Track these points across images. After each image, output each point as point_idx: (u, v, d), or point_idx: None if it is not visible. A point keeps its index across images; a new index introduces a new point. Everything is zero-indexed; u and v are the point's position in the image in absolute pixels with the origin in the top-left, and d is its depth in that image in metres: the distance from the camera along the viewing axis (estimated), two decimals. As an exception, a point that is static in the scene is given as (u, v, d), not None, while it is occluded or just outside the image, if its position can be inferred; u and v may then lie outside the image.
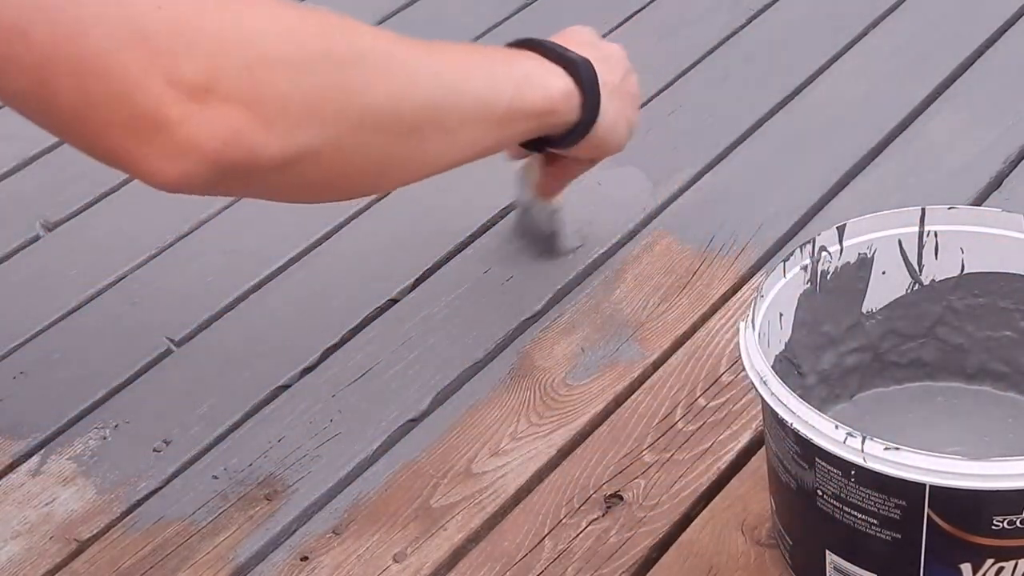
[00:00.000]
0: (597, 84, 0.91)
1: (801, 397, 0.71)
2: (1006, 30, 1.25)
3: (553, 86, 0.89)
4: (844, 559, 0.75)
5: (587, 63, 0.91)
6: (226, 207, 1.13)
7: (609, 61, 0.95)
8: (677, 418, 0.91)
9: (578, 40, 0.94)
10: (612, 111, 0.93)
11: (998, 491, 0.68)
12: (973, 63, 1.21)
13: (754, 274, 1.02)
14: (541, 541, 0.85)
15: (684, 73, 1.24)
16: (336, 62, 0.71)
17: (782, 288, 0.80)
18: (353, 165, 0.74)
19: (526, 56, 0.89)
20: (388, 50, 0.75)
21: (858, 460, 0.69)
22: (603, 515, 0.86)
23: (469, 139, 0.83)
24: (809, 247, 0.81)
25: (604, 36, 1.28)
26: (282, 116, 0.68)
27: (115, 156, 0.68)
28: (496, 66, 0.86)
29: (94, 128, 0.67)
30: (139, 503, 0.90)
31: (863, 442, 0.69)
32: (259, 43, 0.68)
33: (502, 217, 1.09)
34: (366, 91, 0.73)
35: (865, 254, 0.83)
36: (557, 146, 0.93)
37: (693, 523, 0.85)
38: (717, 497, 0.86)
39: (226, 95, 0.66)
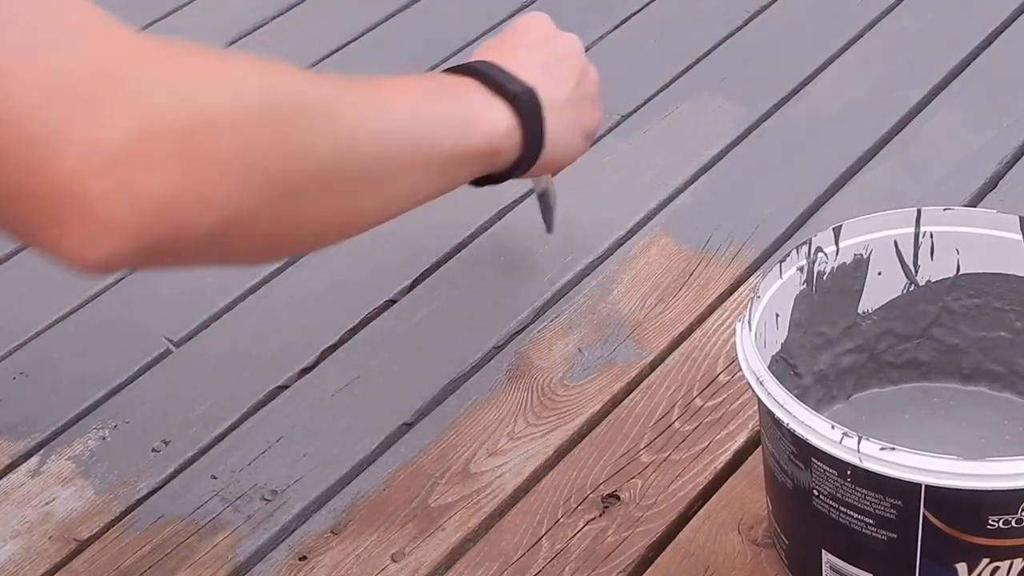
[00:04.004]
0: (540, 117, 0.85)
1: (797, 397, 0.71)
2: (1002, 31, 1.25)
3: (497, 124, 0.82)
4: (840, 559, 0.75)
5: (530, 94, 0.84)
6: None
7: (561, 65, 0.90)
8: (674, 418, 0.92)
9: (532, 39, 0.90)
10: (561, 128, 0.88)
11: (993, 491, 0.68)
12: (969, 64, 1.21)
13: (751, 275, 1.02)
14: (539, 541, 0.85)
15: (683, 73, 1.24)
16: (279, 122, 0.63)
17: (778, 289, 0.80)
18: (290, 228, 0.66)
19: (469, 89, 0.83)
20: (331, 104, 0.68)
21: (854, 460, 0.69)
22: (600, 515, 0.86)
23: (410, 189, 0.77)
24: (805, 248, 0.81)
25: (603, 36, 1.29)
26: (218, 182, 0.59)
27: (27, 235, 0.57)
28: (439, 106, 0.80)
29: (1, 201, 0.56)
30: (138, 503, 0.90)
31: (859, 442, 0.69)
32: (196, 102, 0.59)
33: (499, 218, 1.09)
34: (308, 151, 0.65)
35: (861, 255, 0.83)
36: (501, 181, 0.88)
37: (690, 523, 0.85)
38: (714, 497, 0.86)
39: (156, 161, 0.57)
